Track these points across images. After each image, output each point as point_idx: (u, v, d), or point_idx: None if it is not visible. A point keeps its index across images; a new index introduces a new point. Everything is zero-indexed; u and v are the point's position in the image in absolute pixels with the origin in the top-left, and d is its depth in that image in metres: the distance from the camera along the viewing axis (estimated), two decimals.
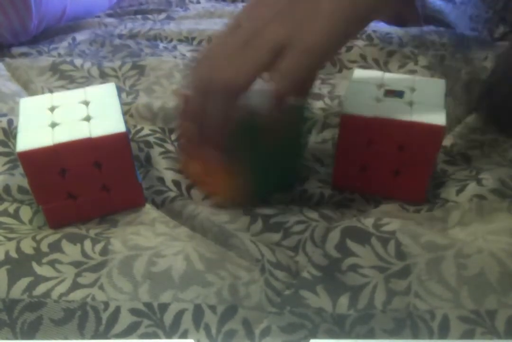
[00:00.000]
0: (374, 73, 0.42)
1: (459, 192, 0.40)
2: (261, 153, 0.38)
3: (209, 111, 0.34)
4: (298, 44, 0.32)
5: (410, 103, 0.38)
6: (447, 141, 0.47)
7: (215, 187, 0.40)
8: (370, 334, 0.31)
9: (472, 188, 0.39)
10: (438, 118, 0.36)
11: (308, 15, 0.32)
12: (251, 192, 0.39)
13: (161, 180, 0.43)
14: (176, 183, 0.43)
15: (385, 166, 0.39)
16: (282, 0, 0.33)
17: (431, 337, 0.31)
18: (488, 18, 0.70)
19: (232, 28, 0.35)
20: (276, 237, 0.37)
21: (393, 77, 0.41)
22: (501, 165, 0.41)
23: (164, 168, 0.44)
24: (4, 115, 0.49)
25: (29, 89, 0.55)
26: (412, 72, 0.56)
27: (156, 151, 0.46)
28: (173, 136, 0.48)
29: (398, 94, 0.39)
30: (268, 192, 0.41)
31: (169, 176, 0.43)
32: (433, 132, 0.36)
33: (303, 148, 0.45)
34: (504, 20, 0.68)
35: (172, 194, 0.41)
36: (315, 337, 0.31)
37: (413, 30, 0.64)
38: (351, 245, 0.35)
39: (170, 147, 0.46)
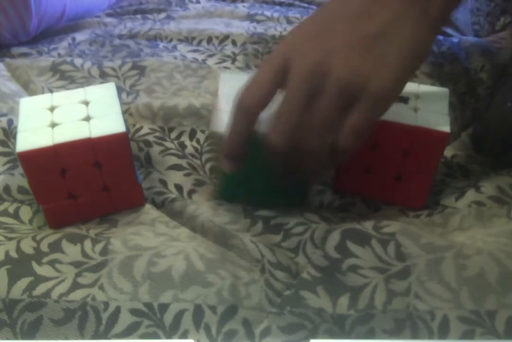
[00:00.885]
0: None
1: (458, 198, 0.40)
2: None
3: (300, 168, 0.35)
4: (367, 98, 0.32)
5: (415, 109, 0.38)
6: (447, 152, 0.47)
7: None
8: (370, 334, 0.31)
9: (470, 194, 0.40)
10: (443, 124, 0.36)
11: (375, 66, 0.32)
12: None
13: (163, 182, 0.43)
14: (178, 187, 0.43)
15: (387, 171, 0.39)
16: (345, 48, 0.33)
17: (431, 337, 0.31)
18: (489, 11, 0.70)
19: (279, 67, 0.34)
20: (276, 238, 0.37)
21: None
22: (500, 174, 0.41)
23: (166, 169, 0.44)
24: (4, 115, 0.49)
25: (29, 89, 0.55)
26: (413, 77, 0.56)
27: (156, 150, 0.46)
28: (172, 135, 0.48)
29: (403, 100, 0.39)
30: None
31: (171, 179, 0.43)
32: (437, 138, 0.36)
33: None
34: (505, 12, 0.68)
35: (172, 195, 0.41)
36: (315, 337, 0.31)
37: None
38: (351, 246, 0.35)
39: (169, 145, 0.47)
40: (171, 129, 0.48)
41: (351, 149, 0.33)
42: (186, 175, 0.44)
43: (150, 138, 0.47)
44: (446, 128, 0.36)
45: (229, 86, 0.40)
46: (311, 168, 0.36)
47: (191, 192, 0.42)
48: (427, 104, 0.38)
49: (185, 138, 0.47)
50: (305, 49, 0.34)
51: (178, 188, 0.43)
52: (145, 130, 0.48)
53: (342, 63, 0.32)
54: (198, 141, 0.47)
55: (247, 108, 0.34)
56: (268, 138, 0.34)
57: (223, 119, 0.37)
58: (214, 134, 0.37)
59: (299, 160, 0.35)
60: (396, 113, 0.37)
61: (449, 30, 0.74)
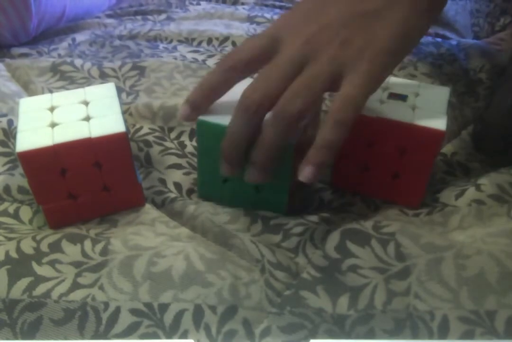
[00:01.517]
0: None
1: (458, 196, 0.40)
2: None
3: (267, 136, 0.33)
4: (360, 71, 0.32)
5: (413, 107, 0.38)
6: (447, 150, 0.47)
7: None
8: (370, 334, 0.31)
9: (470, 193, 0.39)
10: (439, 123, 0.36)
11: (366, 42, 0.33)
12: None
13: (162, 181, 0.43)
14: (177, 185, 0.43)
15: (384, 168, 0.40)
16: (336, 25, 0.33)
17: (431, 337, 0.31)
18: (489, 11, 0.70)
19: (269, 40, 0.34)
20: (276, 238, 0.37)
21: (398, 82, 0.41)
22: (500, 172, 0.41)
23: (165, 168, 0.44)
24: (4, 115, 0.49)
25: (29, 90, 0.55)
26: (412, 76, 0.56)
27: (155, 150, 0.46)
28: (172, 135, 0.48)
29: (402, 97, 0.39)
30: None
31: (171, 178, 0.43)
32: (433, 137, 0.36)
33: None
34: (505, 12, 0.68)
35: (172, 195, 0.41)
36: (315, 337, 0.31)
37: None
38: (351, 246, 0.35)
39: (169, 145, 0.47)
40: (171, 129, 0.48)
41: (344, 121, 0.32)
42: (186, 174, 0.44)
43: (150, 138, 0.47)
44: (442, 126, 0.36)
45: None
46: (280, 142, 0.33)
47: (190, 191, 0.42)
48: (425, 103, 0.39)
49: (185, 138, 0.48)
50: (296, 26, 0.34)
51: (178, 186, 0.43)
52: (145, 130, 0.48)
53: (332, 37, 0.33)
54: None
55: (229, 63, 0.34)
56: (244, 94, 0.33)
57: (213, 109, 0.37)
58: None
59: (272, 130, 0.33)
60: (394, 110, 0.37)
61: (448, 33, 0.74)
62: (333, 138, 0.32)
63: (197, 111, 0.36)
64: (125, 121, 0.37)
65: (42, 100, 0.39)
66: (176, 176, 0.43)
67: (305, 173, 0.33)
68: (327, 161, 0.33)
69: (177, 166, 0.45)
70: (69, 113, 0.37)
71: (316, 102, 0.33)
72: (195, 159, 0.45)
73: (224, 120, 0.35)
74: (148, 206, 0.40)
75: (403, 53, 0.35)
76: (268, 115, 0.33)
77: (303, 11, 0.36)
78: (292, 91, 0.32)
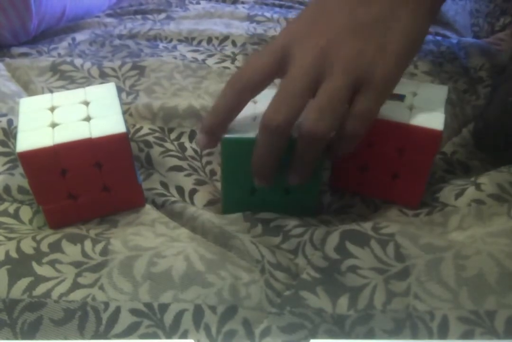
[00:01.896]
0: None
1: (458, 196, 0.40)
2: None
3: (302, 156, 0.34)
4: (375, 83, 0.33)
5: (410, 107, 0.38)
6: (448, 149, 0.47)
7: None
8: (370, 334, 0.31)
9: (470, 192, 0.39)
10: (436, 123, 0.36)
11: (377, 54, 0.33)
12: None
13: (164, 184, 0.43)
14: (179, 188, 0.43)
15: (383, 169, 0.40)
16: (345, 36, 0.33)
17: (430, 337, 0.31)
18: (488, 11, 0.70)
19: (277, 54, 0.34)
20: (276, 240, 0.37)
21: None
22: (500, 171, 0.41)
23: (166, 171, 0.44)
24: (4, 115, 0.49)
25: (29, 90, 0.55)
26: (412, 75, 0.56)
27: (156, 151, 0.46)
28: (172, 136, 0.48)
29: (400, 97, 0.39)
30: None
31: (172, 180, 0.43)
32: (430, 137, 0.36)
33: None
34: (505, 12, 0.68)
35: (173, 199, 0.41)
36: (315, 337, 0.31)
37: None
38: (350, 247, 0.35)
39: (170, 146, 0.47)
40: (171, 130, 0.48)
41: (358, 135, 0.33)
42: (187, 175, 0.44)
43: (150, 139, 0.47)
44: (439, 126, 0.36)
45: None
46: (315, 157, 0.35)
47: (192, 192, 0.42)
48: (423, 102, 0.39)
49: (185, 140, 0.48)
50: (305, 38, 0.34)
51: (179, 189, 0.43)
52: (145, 130, 0.48)
53: (346, 48, 0.33)
54: None
55: (241, 84, 0.34)
56: (265, 117, 0.33)
57: None
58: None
59: (304, 148, 0.34)
60: (391, 111, 0.37)
61: (448, 33, 0.74)
62: (345, 150, 0.35)
63: (215, 137, 0.36)
64: (125, 121, 0.37)
65: (43, 100, 0.39)
66: (178, 178, 0.44)
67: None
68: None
69: (178, 168, 0.45)
70: (70, 114, 0.37)
71: (342, 117, 0.33)
72: (196, 162, 0.45)
73: (246, 133, 0.35)
74: (148, 207, 0.40)
75: (412, 57, 0.35)
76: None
77: (309, 20, 0.35)
78: (316, 112, 0.32)
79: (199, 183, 0.43)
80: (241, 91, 0.34)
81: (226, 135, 0.35)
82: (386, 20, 0.34)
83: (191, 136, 0.48)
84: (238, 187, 0.39)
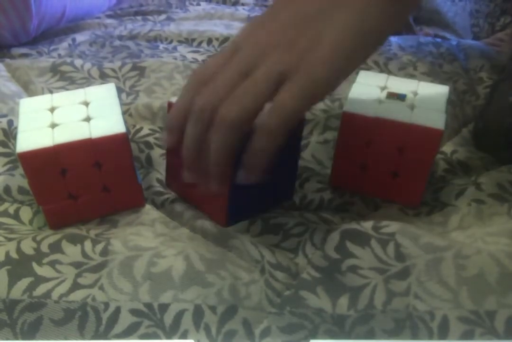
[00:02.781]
0: (378, 76, 0.42)
1: (458, 195, 0.40)
2: None
3: (211, 142, 0.32)
4: (298, 76, 0.31)
5: (411, 107, 0.38)
6: (448, 148, 0.47)
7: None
8: (370, 334, 0.31)
9: (470, 192, 0.40)
10: (437, 122, 0.36)
11: (310, 45, 0.31)
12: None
13: (160, 182, 0.43)
14: None
15: (383, 167, 0.40)
16: (284, 27, 0.32)
17: (430, 337, 0.31)
18: (489, 12, 0.70)
19: (230, 52, 0.34)
20: (275, 238, 0.37)
21: (398, 81, 0.41)
22: (500, 171, 0.41)
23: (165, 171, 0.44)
24: (4, 116, 0.49)
25: (29, 90, 0.55)
26: (412, 76, 0.56)
27: (156, 152, 0.46)
28: None
29: (401, 97, 0.39)
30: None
31: None
32: (431, 136, 0.36)
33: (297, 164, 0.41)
34: (505, 12, 0.68)
35: (172, 196, 0.41)
36: (315, 337, 0.31)
37: (410, 41, 0.65)
38: (351, 246, 0.35)
39: None
40: None
41: (269, 129, 0.31)
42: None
43: (151, 139, 0.47)
44: (441, 125, 0.36)
45: None
46: (226, 145, 0.32)
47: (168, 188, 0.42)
48: (424, 102, 0.39)
49: None
50: (251, 33, 0.34)
51: None
52: (145, 131, 0.48)
53: (275, 42, 0.32)
54: None
55: (195, 81, 0.34)
56: (192, 101, 0.33)
57: None
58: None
59: (214, 133, 0.32)
60: (392, 110, 0.37)
61: (447, 35, 0.74)
62: (261, 146, 0.32)
63: (175, 133, 0.35)
64: (125, 122, 0.37)
65: (43, 101, 0.39)
66: None
67: (240, 177, 0.33)
68: (259, 167, 0.32)
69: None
70: (70, 114, 0.37)
71: (256, 107, 0.32)
72: None
73: None
74: (148, 207, 0.40)
75: (361, 50, 0.32)
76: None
77: (258, 20, 0.35)
78: (231, 97, 0.32)
79: None
80: (196, 88, 0.34)
81: None
82: (333, 10, 0.31)
83: None
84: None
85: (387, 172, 0.40)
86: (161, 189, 0.42)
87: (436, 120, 0.36)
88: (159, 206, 0.41)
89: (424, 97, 0.39)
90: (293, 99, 0.31)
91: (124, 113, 0.48)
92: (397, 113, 0.37)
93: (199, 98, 0.33)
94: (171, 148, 0.35)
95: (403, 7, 0.33)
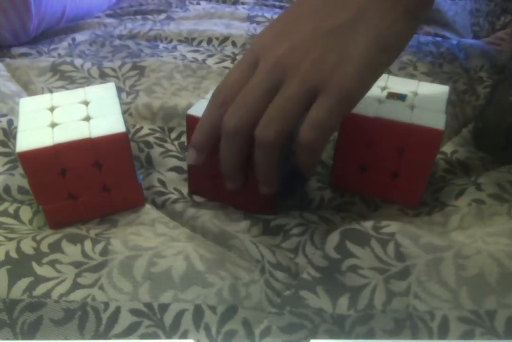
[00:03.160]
0: None
1: (458, 196, 0.40)
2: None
3: (255, 160, 0.34)
4: (330, 91, 0.31)
5: (412, 107, 0.38)
6: (448, 148, 0.47)
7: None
8: (370, 334, 0.31)
9: (471, 192, 0.39)
10: (438, 122, 0.36)
11: (339, 60, 0.32)
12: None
13: (163, 183, 0.43)
14: (178, 190, 0.43)
15: (383, 168, 0.40)
16: (308, 42, 0.33)
17: (430, 337, 0.31)
18: (489, 11, 0.70)
19: (249, 65, 0.34)
20: (276, 239, 0.37)
21: (398, 81, 0.41)
22: (500, 171, 0.41)
23: (166, 171, 0.44)
24: (4, 115, 0.49)
25: (29, 90, 0.55)
26: (412, 76, 0.56)
27: (156, 151, 0.46)
28: (172, 135, 0.48)
29: (401, 97, 0.39)
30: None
31: (172, 181, 0.43)
32: (431, 136, 0.36)
33: None
34: (505, 11, 0.68)
35: (173, 196, 0.41)
36: (315, 337, 0.31)
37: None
38: (351, 246, 0.35)
39: (170, 147, 0.47)
40: (171, 130, 0.48)
41: (311, 144, 0.32)
42: (186, 179, 0.44)
43: (151, 139, 0.47)
44: (441, 126, 0.36)
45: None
46: (269, 163, 0.34)
47: (191, 194, 0.43)
48: (424, 102, 0.38)
49: (185, 139, 0.48)
50: (270, 45, 0.34)
51: (178, 191, 0.43)
52: (145, 131, 0.48)
53: (303, 57, 0.32)
54: None
55: (220, 100, 0.34)
56: (223, 121, 0.34)
57: (200, 105, 0.37)
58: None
59: (257, 154, 0.34)
60: (392, 110, 0.37)
61: (448, 33, 0.74)
62: (305, 161, 0.34)
63: (204, 152, 0.36)
64: (125, 121, 0.37)
65: (42, 100, 0.39)
66: (177, 180, 0.44)
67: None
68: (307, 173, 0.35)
69: (178, 169, 0.44)
70: (69, 113, 0.37)
71: (293, 125, 0.33)
72: None
73: None
74: (148, 206, 0.40)
75: (383, 65, 0.33)
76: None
77: (277, 30, 0.35)
78: (267, 118, 0.32)
79: None
80: (221, 106, 0.34)
81: None
82: (356, 25, 0.32)
83: None
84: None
85: (387, 172, 0.40)
86: (162, 189, 0.42)
87: (436, 120, 0.36)
88: (160, 206, 0.41)
89: (424, 97, 0.39)
90: (329, 114, 0.32)
91: (124, 112, 0.48)
92: (397, 113, 0.37)
93: (229, 119, 0.33)
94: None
95: (418, 21, 0.34)
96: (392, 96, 0.39)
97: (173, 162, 0.45)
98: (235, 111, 0.33)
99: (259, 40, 0.35)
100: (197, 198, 0.42)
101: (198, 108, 0.37)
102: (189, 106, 0.50)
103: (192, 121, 0.37)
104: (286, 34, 0.34)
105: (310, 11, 0.34)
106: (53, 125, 0.36)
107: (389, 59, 0.33)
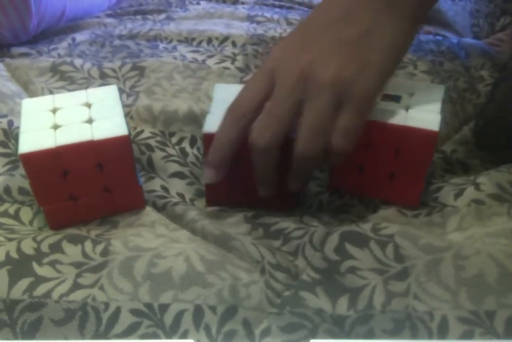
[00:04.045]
0: None
1: (457, 196, 0.40)
2: None
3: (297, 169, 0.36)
4: (355, 98, 0.33)
5: (407, 108, 0.38)
6: (447, 147, 0.47)
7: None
8: (370, 334, 0.31)
9: (470, 192, 0.39)
10: (432, 123, 0.36)
11: (360, 69, 0.34)
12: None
13: (165, 188, 0.43)
14: (180, 195, 0.43)
15: (381, 169, 0.40)
16: (330, 53, 0.34)
17: (430, 337, 0.31)
18: (489, 12, 0.70)
19: (268, 79, 0.35)
20: (276, 243, 0.37)
21: (394, 82, 0.41)
22: (499, 171, 0.41)
23: (168, 177, 0.44)
24: (4, 116, 0.49)
25: (29, 90, 0.55)
26: (412, 75, 0.56)
27: (158, 155, 0.46)
28: (173, 140, 0.48)
29: (395, 98, 0.39)
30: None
31: (174, 187, 0.43)
32: (426, 137, 0.36)
33: None
34: (505, 12, 0.68)
35: (174, 200, 0.41)
36: (315, 337, 0.31)
37: None
38: (350, 248, 0.35)
39: (171, 151, 0.47)
40: (171, 134, 0.48)
41: (345, 150, 0.34)
42: (189, 184, 0.44)
43: (152, 142, 0.47)
44: (435, 127, 0.36)
45: (222, 93, 0.41)
46: (309, 172, 0.37)
47: (192, 200, 0.43)
48: (419, 103, 0.38)
49: (185, 145, 0.48)
50: (289, 59, 0.35)
51: (180, 196, 0.43)
52: (146, 134, 0.48)
53: (325, 70, 0.33)
54: (198, 149, 0.47)
55: (238, 115, 0.35)
56: (254, 139, 0.34)
57: (213, 121, 0.37)
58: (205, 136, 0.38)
59: (298, 166, 0.36)
60: (387, 112, 0.37)
61: (448, 34, 0.74)
62: (337, 162, 0.36)
63: (222, 170, 0.36)
64: (127, 123, 0.37)
65: (45, 102, 0.39)
66: (179, 185, 0.44)
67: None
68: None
69: (180, 175, 0.45)
70: (72, 115, 0.37)
71: (329, 134, 0.34)
72: (197, 169, 0.45)
73: None
74: (148, 209, 0.40)
75: (395, 67, 0.36)
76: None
77: (293, 44, 0.36)
78: (306, 133, 0.34)
79: (200, 193, 0.43)
80: (241, 119, 0.35)
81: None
82: (370, 36, 0.34)
83: (192, 143, 0.48)
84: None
85: (385, 173, 0.40)
86: (164, 194, 0.42)
87: (431, 121, 0.36)
88: (160, 209, 0.41)
89: (419, 98, 0.39)
90: (357, 120, 0.34)
91: (125, 115, 0.48)
92: (392, 115, 0.37)
93: (261, 136, 0.34)
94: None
95: (420, 24, 0.39)
96: (387, 98, 0.39)
97: (175, 167, 0.45)
98: (266, 128, 0.34)
99: (276, 55, 0.36)
100: (197, 203, 0.42)
101: (212, 125, 0.37)
102: (190, 111, 0.50)
103: (210, 139, 0.37)
104: (304, 47, 0.35)
105: (325, 26, 0.36)
106: (56, 127, 0.36)
107: (399, 60, 0.37)
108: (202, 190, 0.43)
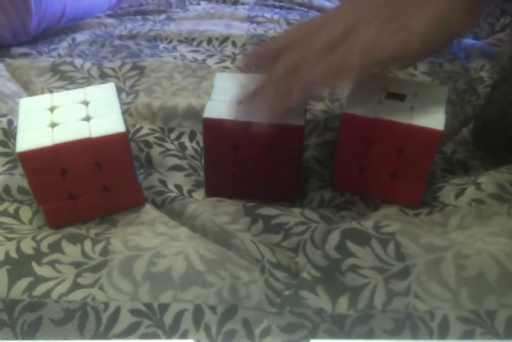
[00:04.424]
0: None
1: (458, 195, 0.40)
2: None
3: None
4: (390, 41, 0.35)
5: (411, 107, 0.38)
6: (448, 148, 0.47)
7: None
8: (370, 334, 0.31)
9: (470, 192, 0.39)
10: (437, 122, 0.36)
11: (402, 24, 0.35)
12: None
13: (163, 182, 0.43)
14: (178, 187, 0.43)
15: (383, 168, 0.40)
16: (379, 9, 0.36)
17: (430, 337, 0.31)
18: (489, 12, 0.70)
19: (324, 19, 0.38)
20: (276, 238, 0.37)
21: (397, 81, 0.41)
22: (500, 171, 0.41)
23: (166, 170, 0.44)
24: (4, 115, 0.49)
25: (29, 90, 0.55)
26: (412, 76, 0.56)
27: (156, 151, 0.46)
28: (172, 136, 0.48)
29: (400, 97, 0.39)
30: None
31: (171, 179, 0.43)
32: (430, 136, 0.36)
33: None
34: (505, 12, 0.68)
35: (172, 194, 0.41)
36: (315, 337, 0.31)
37: None
38: (351, 246, 0.35)
39: (170, 146, 0.47)
40: (171, 130, 0.48)
41: (357, 69, 0.35)
42: (187, 175, 0.44)
43: (150, 139, 0.47)
44: (440, 126, 0.36)
45: (223, 81, 0.41)
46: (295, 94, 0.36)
47: (190, 191, 0.43)
48: (424, 102, 0.39)
49: (185, 139, 0.48)
50: (340, 16, 0.38)
51: (178, 187, 0.43)
52: (145, 130, 0.48)
53: (375, 16, 0.36)
54: (198, 143, 0.47)
55: (303, 29, 0.38)
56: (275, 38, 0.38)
57: (214, 107, 0.37)
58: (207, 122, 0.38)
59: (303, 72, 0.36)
60: (391, 111, 0.37)
61: None
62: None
63: (263, 57, 0.39)
64: (125, 121, 0.37)
65: (42, 100, 0.39)
66: (177, 177, 0.44)
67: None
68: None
69: (178, 168, 0.45)
70: (69, 114, 0.37)
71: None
72: (196, 162, 0.45)
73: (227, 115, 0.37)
74: (148, 206, 0.40)
75: (437, 44, 0.36)
76: None
77: (344, 7, 0.40)
78: (353, 44, 0.35)
79: (198, 184, 0.43)
80: (298, 34, 0.38)
81: (206, 116, 0.37)
82: (420, 5, 0.35)
83: (191, 137, 0.48)
84: (219, 168, 0.40)
85: (386, 173, 0.40)
86: (161, 188, 0.42)
87: (436, 121, 0.37)
88: (159, 206, 0.41)
89: (423, 97, 0.39)
90: (376, 44, 0.35)
91: (124, 112, 0.48)
92: (396, 114, 0.37)
93: (316, 40, 0.36)
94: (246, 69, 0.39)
95: (479, 13, 0.37)
96: (391, 96, 0.39)
97: (173, 161, 0.45)
98: (320, 35, 0.36)
99: (327, 13, 0.40)
100: (195, 195, 0.42)
101: (213, 110, 0.37)
102: (189, 106, 0.50)
103: (210, 125, 0.37)
104: (353, 9, 0.38)
105: None
106: (53, 125, 0.36)
107: (444, 39, 0.36)
108: (200, 181, 0.43)
